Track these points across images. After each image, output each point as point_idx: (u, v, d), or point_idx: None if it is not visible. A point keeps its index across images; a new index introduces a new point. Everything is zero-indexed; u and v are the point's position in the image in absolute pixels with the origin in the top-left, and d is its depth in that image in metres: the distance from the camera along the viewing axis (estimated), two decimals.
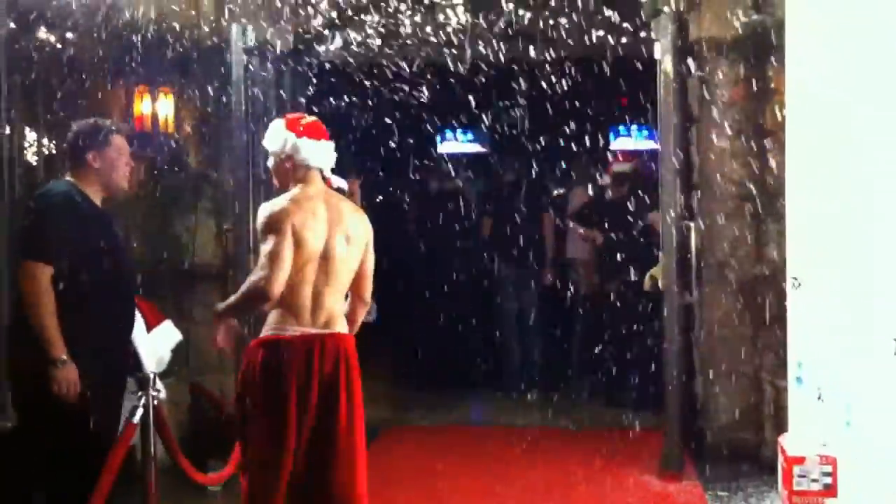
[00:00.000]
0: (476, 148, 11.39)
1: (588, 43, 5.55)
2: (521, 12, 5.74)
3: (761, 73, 5.24)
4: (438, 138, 11.33)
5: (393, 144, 9.08)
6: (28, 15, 4.96)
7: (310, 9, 5.81)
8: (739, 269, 5.39)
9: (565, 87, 6.69)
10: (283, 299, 3.19)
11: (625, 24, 5.52)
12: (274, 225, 3.16)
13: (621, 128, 10.41)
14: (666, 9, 5.17)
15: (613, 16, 5.50)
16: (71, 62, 5.20)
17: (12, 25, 4.87)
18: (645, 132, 10.10)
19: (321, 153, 3.34)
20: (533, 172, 8.04)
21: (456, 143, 11.41)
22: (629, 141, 10.29)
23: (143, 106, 5.54)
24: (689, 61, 5.28)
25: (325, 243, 3.24)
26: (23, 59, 4.95)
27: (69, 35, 5.24)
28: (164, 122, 5.64)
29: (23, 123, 5.12)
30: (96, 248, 3.53)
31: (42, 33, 5.12)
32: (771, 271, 5.23)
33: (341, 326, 3.34)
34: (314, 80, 6.16)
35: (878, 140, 3.76)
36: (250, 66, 5.46)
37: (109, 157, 3.60)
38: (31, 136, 5.29)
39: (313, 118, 3.43)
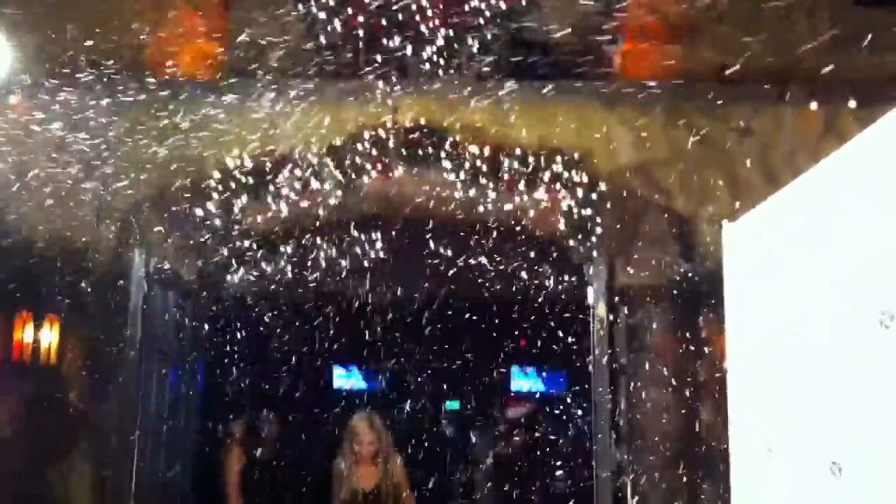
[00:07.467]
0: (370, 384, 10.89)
1: (514, 286, 5.35)
2: (441, 251, 5.55)
3: (693, 323, 5.07)
4: (336, 374, 10.82)
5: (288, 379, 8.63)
6: None
7: (217, 239, 5.46)
8: None
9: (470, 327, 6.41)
10: None
11: (554, 269, 5.35)
12: None
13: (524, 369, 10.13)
14: (596, 253, 5.03)
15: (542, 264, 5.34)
16: None
17: None
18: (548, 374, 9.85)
19: None
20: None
21: (353, 380, 10.89)
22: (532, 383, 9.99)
23: (24, 333, 4.92)
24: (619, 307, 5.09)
25: None
26: None
27: None
28: (46, 353, 5.01)
29: None
30: None
31: None
32: None
33: None
34: (217, 312, 5.72)
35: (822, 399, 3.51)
36: (149, 297, 4.99)
37: None
38: None
39: None
